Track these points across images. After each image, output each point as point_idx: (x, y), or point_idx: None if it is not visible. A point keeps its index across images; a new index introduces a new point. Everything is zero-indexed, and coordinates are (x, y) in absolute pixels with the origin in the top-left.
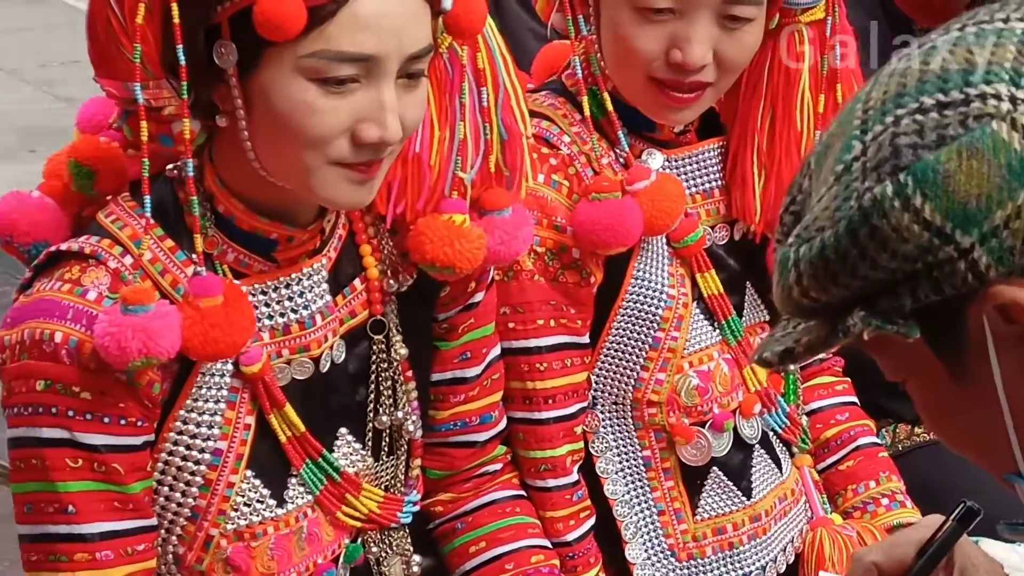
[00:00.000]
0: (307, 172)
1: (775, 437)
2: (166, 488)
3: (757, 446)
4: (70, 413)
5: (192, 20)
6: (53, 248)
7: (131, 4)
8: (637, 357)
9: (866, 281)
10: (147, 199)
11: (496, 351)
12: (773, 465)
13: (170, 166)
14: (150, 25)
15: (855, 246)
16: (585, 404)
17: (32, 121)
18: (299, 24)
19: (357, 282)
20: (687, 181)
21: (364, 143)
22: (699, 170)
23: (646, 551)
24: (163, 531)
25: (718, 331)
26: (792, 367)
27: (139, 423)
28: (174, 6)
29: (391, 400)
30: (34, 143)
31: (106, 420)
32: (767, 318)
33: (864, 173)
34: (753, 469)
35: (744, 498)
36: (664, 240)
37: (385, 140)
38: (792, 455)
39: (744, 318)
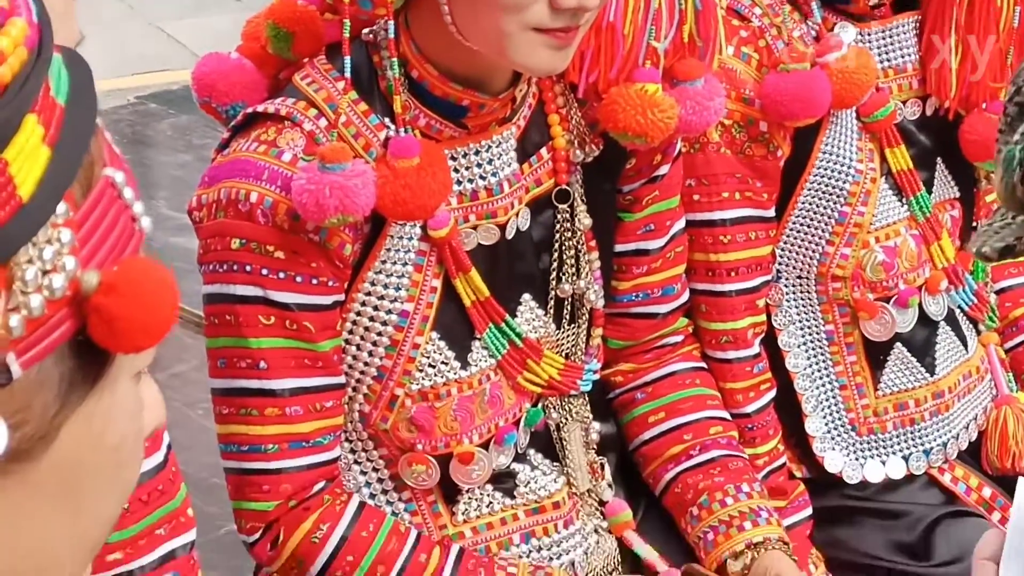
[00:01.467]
0: (504, 37)
1: (961, 314)
2: (354, 348)
3: (943, 323)
4: (264, 271)
5: None
6: (250, 109)
7: None
8: (823, 231)
9: None
10: (347, 60)
11: (680, 224)
12: (959, 342)
13: (366, 30)
14: None
15: None
16: (768, 277)
17: None
18: None
19: (544, 151)
20: (880, 55)
21: (562, 8)
22: (893, 44)
23: (826, 425)
24: (350, 390)
25: (906, 207)
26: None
27: (330, 283)
28: None
29: (574, 269)
30: None
31: (298, 279)
32: (957, 195)
33: None
34: (938, 346)
35: (928, 374)
36: (854, 114)
37: (583, 5)
38: (979, 332)
39: (933, 194)
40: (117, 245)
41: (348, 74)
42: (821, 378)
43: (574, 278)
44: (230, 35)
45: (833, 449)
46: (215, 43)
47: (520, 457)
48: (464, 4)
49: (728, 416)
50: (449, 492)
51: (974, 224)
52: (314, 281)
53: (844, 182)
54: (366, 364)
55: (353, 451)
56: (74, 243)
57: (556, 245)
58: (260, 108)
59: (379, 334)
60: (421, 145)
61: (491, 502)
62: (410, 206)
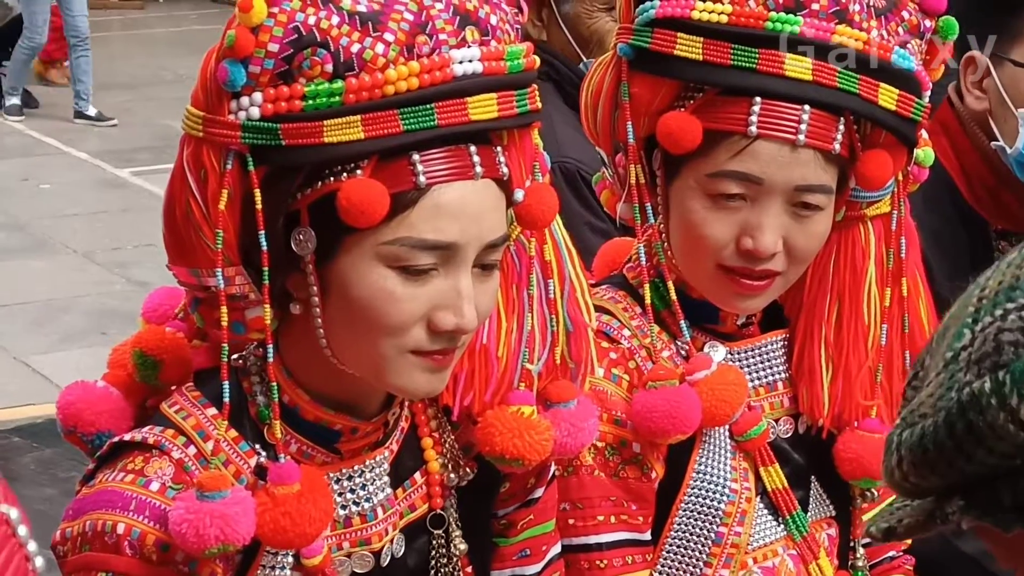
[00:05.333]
0: (383, 360)
1: None
2: None
3: None
4: None
5: (273, 207)
6: (116, 439)
7: (214, 190)
8: (700, 553)
9: (963, 474)
10: (226, 385)
11: (556, 549)
12: None
13: (235, 356)
14: (231, 212)
15: (952, 439)
16: None
17: (104, 304)
18: (383, 211)
19: (418, 475)
20: (750, 374)
21: (440, 331)
22: (762, 362)
23: None
24: None
25: (782, 526)
26: (861, 564)
27: None
28: (257, 193)
29: None
30: (105, 326)
31: None
32: (833, 513)
33: (968, 365)
34: None
35: None
36: (727, 433)
37: (462, 328)
38: None
39: (809, 513)
40: None
41: (227, 398)
42: None
43: None
44: (94, 369)
45: None
46: (78, 376)
47: None
48: (342, 327)
49: None
50: None
51: (851, 542)
52: None
53: (719, 502)
54: None
55: None
56: None
57: (432, 572)
58: (127, 437)
59: None
60: (301, 471)
61: None
62: (290, 534)
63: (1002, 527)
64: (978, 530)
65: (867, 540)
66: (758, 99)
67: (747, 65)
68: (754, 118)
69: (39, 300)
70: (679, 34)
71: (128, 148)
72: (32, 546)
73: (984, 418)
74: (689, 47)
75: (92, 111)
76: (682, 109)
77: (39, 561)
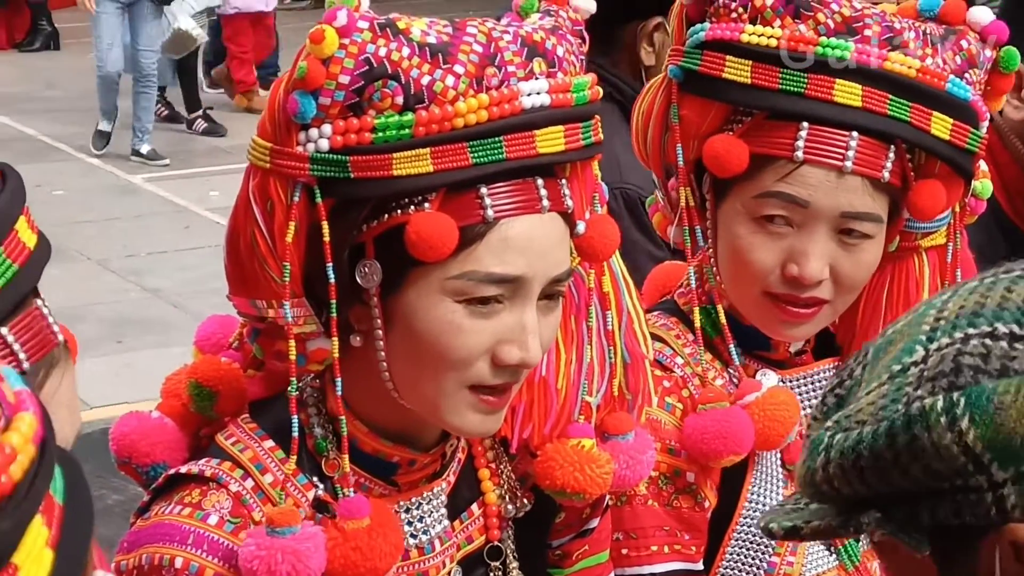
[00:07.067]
0: (442, 395)
1: None
2: None
3: None
4: None
5: (339, 240)
6: (172, 471)
7: (281, 223)
8: None
9: (891, 487)
10: (295, 420)
11: None
12: None
13: (289, 388)
14: (296, 244)
15: (890, 450)
16: None
17: (119, 312)
18: (452, 245)
19: (475, 507)
20: (803, 402)
21: (505, 365)
22: (815, 391)
23: None
24: None
25: (835, 556)
26: None
27: None
28: (324, 225)
29: None
30: (120, 334)
31: None
32: None
33: (920, 381)
34: None
35: None
36: (779, 462)
37: (526, 362)
38: None
39: (861, 542)
40: None
41: (295, 433)
42: None
43: None
44: (109, 376)
45: None
46: (94, 383)
47: None
48: (403, 361)
49: None
50: None
51: None
52: None
53: None
54: None
55: None
56: None
57: None
58: (183, 469)
59: None
60: (371, 505)
61: None
62: (361, 569)
63: (914, 546)
64: (881, 545)
65: None
66: (805, 124)
67: (795, 90)
68: (801, 143)
69: (54, 307)
70: (728, 57)
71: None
72: None
73: (929, 435)
74: (738, 70)
75: (145, 148)
76: (730, 132)
77: None
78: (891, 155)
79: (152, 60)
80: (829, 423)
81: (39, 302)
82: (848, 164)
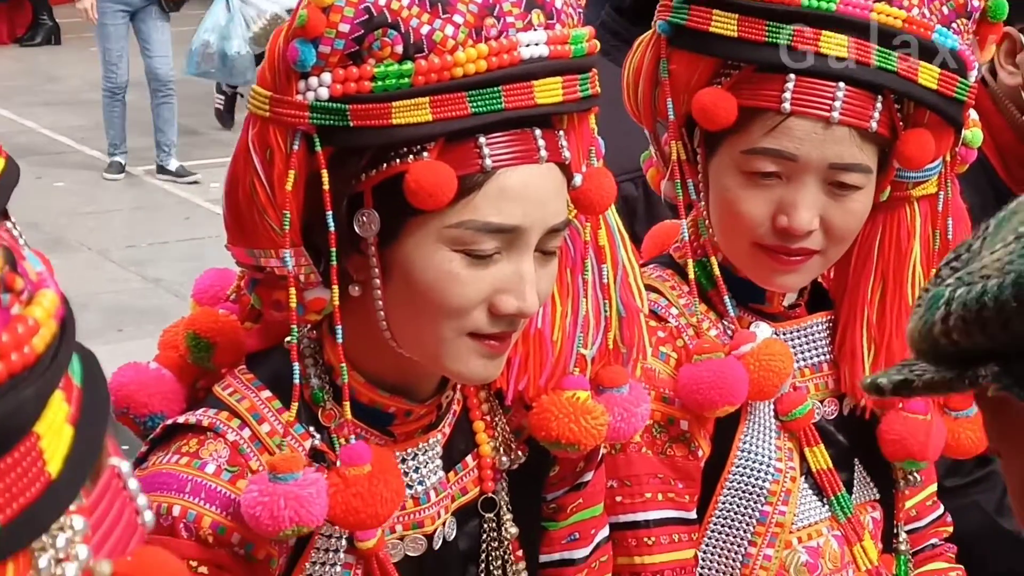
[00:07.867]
0: (441, 343)
1: None
2: None
3: None
4: None
5: (338, 189)
6: (170, 421)
7: (280, 171)
8: (744, 532)
9: (1013, 338)
10: (296, 367)
11: (604, 532)
12: None
13: (286, 338)
14: (295, 193)
15: (1016, 299)
16: None
17: (120, 301)
18: (451, 194)
19: (469, 458)
20: (796, 354)
21: (502, 314)
22: (808, 343)
23: None
24: None
25: (827, 507)
26: (904, 548)
27: None
28: (324, 173)
29: None
30: (121, 323)
31: None
32: (877, 496)
33: None
34: None
35: None
36: (772, 413)
37: (523, 312)
38: None
39: (854, 495)
40: (124, 535)
41: (297, 380)
42: None
43: None
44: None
45: None
46: None
47: None
48: (401, 310)
49: None
50: None
51: (895, 527)
52: None
53: (764, 481)
54: None
55: None
56: (87, 531)
57: (483, 555)
58: (181, 419)
59: None
60: (372, 452)
61: None
62: (363, 515)
63: None
64: (992, 402)
65: (911, 526)
66: (792, 76)
67: (782, 42)
68: (787, 95)
69: None
70: (714, 11)
71: (141, 146)
72: (142, 499)
73: None
74: (724, 24)
75: (173, 165)
76: (719, 86)
77: (148, 515)
78: (879, 105)
79: (169, 66)
80: (950, 280)
81: (9, 224)
82: (835, 115)
